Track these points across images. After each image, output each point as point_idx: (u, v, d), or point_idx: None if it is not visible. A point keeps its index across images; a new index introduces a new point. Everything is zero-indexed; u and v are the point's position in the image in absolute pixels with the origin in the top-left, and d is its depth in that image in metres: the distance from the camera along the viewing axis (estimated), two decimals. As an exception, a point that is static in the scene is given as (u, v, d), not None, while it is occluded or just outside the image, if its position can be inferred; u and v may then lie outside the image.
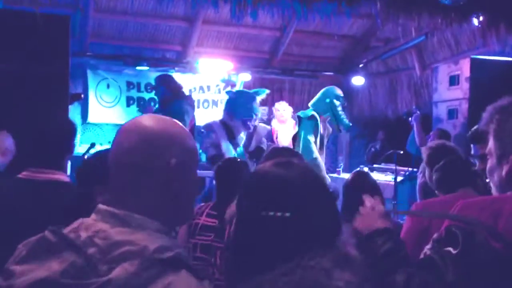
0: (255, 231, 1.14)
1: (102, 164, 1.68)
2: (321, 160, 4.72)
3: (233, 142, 5.27)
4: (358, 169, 4.95)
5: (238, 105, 5.23)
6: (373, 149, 8.48)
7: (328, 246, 1.12)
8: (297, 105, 9.03)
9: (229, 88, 7.44)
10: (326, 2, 3.98)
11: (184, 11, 6.96)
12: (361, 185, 2.46)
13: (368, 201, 1.48)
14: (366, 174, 2.75)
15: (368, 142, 8.94)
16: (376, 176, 5.83)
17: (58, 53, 3.67)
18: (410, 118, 4.99)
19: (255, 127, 5.34)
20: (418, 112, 5.18)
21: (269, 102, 7.35)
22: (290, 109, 6.35)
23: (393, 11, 4.27)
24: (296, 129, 5.03)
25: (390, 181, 5.74)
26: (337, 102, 4.86)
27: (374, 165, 7.04)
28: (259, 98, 5.40)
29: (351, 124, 5.19)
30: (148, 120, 1.16)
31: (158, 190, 1.13)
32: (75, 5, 6.37)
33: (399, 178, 5.84)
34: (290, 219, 1.11)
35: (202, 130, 5.28)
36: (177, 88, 5.31)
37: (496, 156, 1.39)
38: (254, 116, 5.16)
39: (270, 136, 5.98)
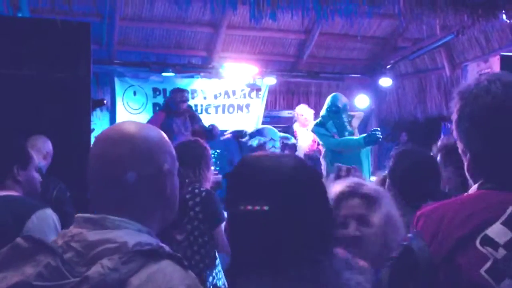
0: (239, 226, 1.08)
1: None
2: None
3: None
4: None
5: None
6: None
7: (322, 251, 1.03)
8: (324, 108, 8.94)
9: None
10: (348, 2, 3.89)
11: (208, 16, 6.98)
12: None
13: None
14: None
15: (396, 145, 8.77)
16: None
17: (80, 59, 3.73)
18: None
19: (294, 145, 5.75)
20: None
21: (294, 106, 7.31)
22: (311, 112, 6.44)
23: (416, 9, 4.15)
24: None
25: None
26: None
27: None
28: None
29: None
30: (130, 127, 1.11)
31: (151, 197, 1.10)
32: (102, 15, 6.46)
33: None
34: (273, 214, 1.02)
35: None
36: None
37: (461, 150, 1.26)
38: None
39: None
